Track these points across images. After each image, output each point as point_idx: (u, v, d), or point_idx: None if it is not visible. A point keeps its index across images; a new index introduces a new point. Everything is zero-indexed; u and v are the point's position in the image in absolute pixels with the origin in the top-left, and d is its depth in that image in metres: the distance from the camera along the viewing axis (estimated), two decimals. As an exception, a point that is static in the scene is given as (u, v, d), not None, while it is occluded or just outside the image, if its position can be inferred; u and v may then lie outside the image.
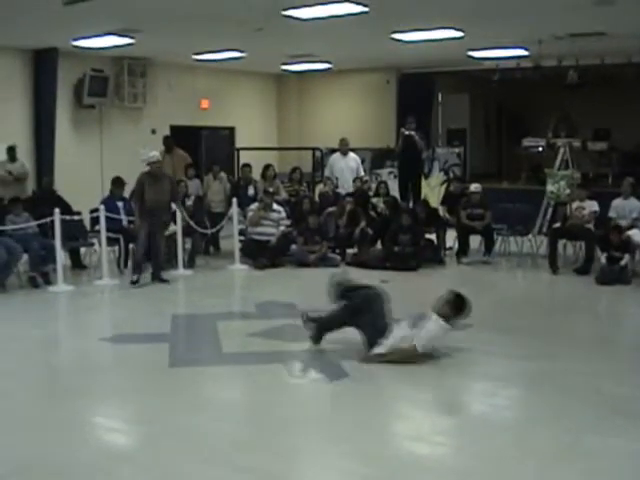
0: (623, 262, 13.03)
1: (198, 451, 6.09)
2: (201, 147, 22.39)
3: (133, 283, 12.92)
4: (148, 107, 20.35)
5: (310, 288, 12.81)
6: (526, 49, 18.05)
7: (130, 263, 13.82)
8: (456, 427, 6.93)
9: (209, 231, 15.31)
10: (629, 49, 17.39)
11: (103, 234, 13.20)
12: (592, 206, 14.46)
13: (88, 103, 18.87)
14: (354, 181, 17.20)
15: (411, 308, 11.01)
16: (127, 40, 15.98)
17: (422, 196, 17.94)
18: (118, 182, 14.82)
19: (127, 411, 7.26)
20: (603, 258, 13.30)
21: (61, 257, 12.96)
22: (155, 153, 13.40)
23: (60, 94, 18.25)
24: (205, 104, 22.39)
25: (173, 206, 13.63)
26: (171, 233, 13.95)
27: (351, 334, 9.13)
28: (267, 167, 16.92)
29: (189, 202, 15.53)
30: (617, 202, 14.41)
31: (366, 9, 13.09)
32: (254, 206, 15.25)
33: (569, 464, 5.91)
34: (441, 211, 15.95)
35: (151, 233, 13.04)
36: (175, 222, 14.08)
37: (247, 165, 17.24)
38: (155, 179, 13.05)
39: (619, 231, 13.30)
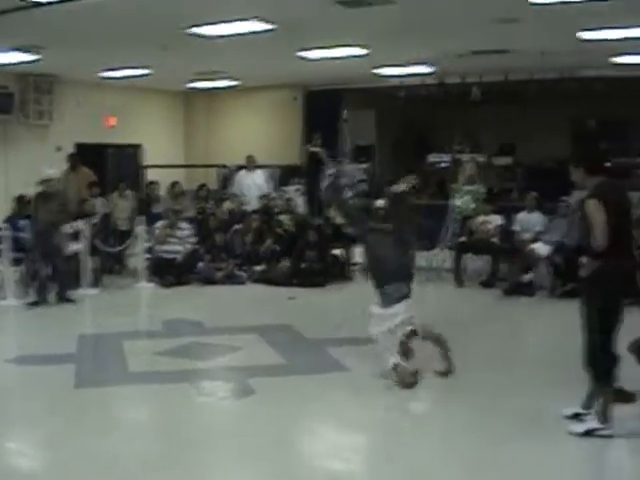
0: (527, 278, 13.21)
1: (108, 473, 6.01)
2: (107, 164, 22.13)
3: (30, 305, 12.68)
4: (54, 124, 20.03)
5: (217, 306, 12.79)
6: (431, 66, 18.24)
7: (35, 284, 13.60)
8: (366, 443, 6.96)
9: (115, 249, 15.14)
10: (531, 66, 17.66)
11: (7, 253, 12.97)
12: (496, 220, 14.70)
13: (-8, 120, 18.55)
14: (261, 198, 17.18)
15: (319, 323, 11.11)
16: (32, 56, 15.74)
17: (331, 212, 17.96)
18: (22, 200, 14.58)
19: (34, 434, 7.11)
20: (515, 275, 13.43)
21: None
22: (50, 171, 13.21)
23: (-37, 111, 17.91)
24: (112, 121, 22.12)
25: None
26: (73, 253, 13.73)
27: (257, 352, 9.14)
28: (174, 184, 16.83)
29: (94, 220, 15.34)
30: (521, 216, 14.67)
31: (272, 27, 13.10)
32: (160, 224, 15.14)
33: (480, 476, 5.97)
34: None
35: (47, 254, 12.84)
36: (78, 240, 13.88)
37: (153, 182, 17.12)
38: (47, 199, 12.89)
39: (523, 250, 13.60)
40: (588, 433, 6.71)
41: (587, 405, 6.97)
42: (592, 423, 6.76)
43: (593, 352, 6.75)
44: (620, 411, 6.86)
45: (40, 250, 12.82)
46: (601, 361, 6.71)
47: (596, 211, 6.56)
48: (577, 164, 6.99)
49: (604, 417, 6.73)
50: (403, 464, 6.25)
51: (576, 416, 6.93)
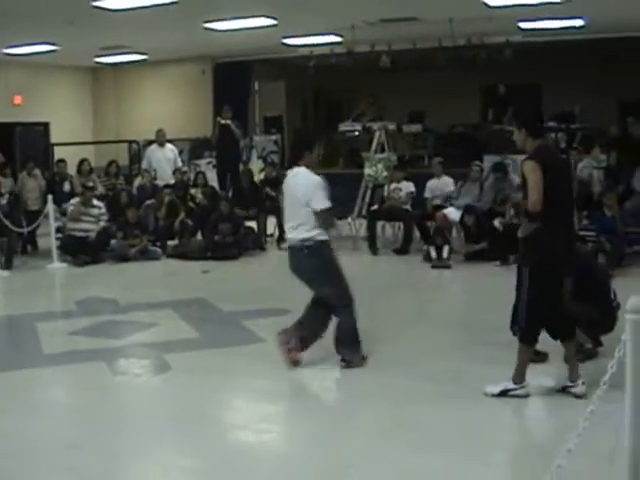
0: (445, 254, 13.29)
1: (27, 455, 5.92)
2: (15, 144, 21.78)
3: None
4: (-41, 104, 19.69)
5: (131, 282, 12.68)
6: (339, 35, 18.25)
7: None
8: (282, 413, 6.98)
9: (25, 230, 14.88)
10: (440, 33, 17.77)
11: None
12: (408, 187, 14.81)
13: None
14: (173, 172, 17.04)
15: (233, 296, 11.09)
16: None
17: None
18: None
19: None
20: (432, 251, 13.47)
21: None
22: None
23: None
24: (18, 100, 21.77)
25: None
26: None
27: (172, 328, 9.12)
28: (82, 162, 16.59)
29: (3, 201, 15.07)
30: (431, 183, 14.83)
31: None
32: (74, 201, 14.89)
33: (393, 439, 6.03)
34: (266, 192, 16.00)
35: None
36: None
37: (62, 160, 16.86)
38: None
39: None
40: (503, 393, 6.81)
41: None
42: (507, 383, 6.85)
43: (522, 312, 6.84)
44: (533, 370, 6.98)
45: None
46: (529, 322, 6.79)
47: (532, 172, 6.57)
48: (520, 126, 6.98)
49: (520, 377, 6.84)
50: (317, 433, 6.30)
51: (565, 389, 6.94)
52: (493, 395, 6.83)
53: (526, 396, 6.81)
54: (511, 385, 6.84)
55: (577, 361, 6.98)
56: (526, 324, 6.80)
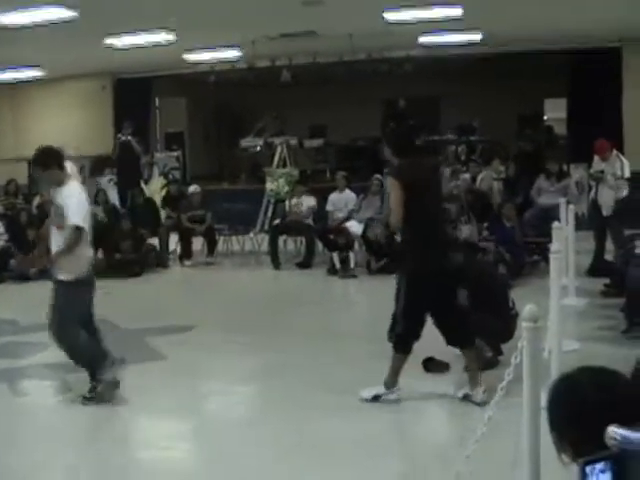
0: (352, 264, 13.38)
1: None
2: None
3: None
4: None
5: (32, 303, 12.43)
6: (240, 49, 18.24)
7: None
8: (187, 430, 6.98)
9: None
10: (340, 48, 17.88)
11: None
12: (310, 202, 14.89)
13: None
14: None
15: (135, 314, 11.00)
16: None
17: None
18: None
19: None
20: (335, 259, 13.55)
21: None
22: None
23: None
24: None
25: None
26: None
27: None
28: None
29: None
30: (333, 196, 14.90)
31: (75, 14, 12.83)
32: (-31, 223, 14.61)
33: (301, 453, 6.06)
34: (164, 213, 15.90)
35: None
36: None
37: (-43, 179, 16.57)
38: None
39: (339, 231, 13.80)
40: (375, 398, 7.01)
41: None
42: (379, 389, 7.04)
43: (399, 319, 7.02)
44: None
45: None
46: (404, 329, 6.98)
47: (392, 189, 6.91)
48: (387, 144, 7.23)
49: (391, 382, 7.03)
50: (220, 450, 6.30)
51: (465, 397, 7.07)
52: (367, 400, 7.03)
53: (397, 401, 7.00)
54: (382, 390, 7.03)
55: (477, 369, 7.10)
56: (402, 331, 6.98)
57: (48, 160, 7.40)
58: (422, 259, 6.87)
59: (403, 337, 7.00)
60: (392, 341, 7.14)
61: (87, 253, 7.62)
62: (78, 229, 7.23)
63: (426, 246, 6.90)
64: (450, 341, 7.24)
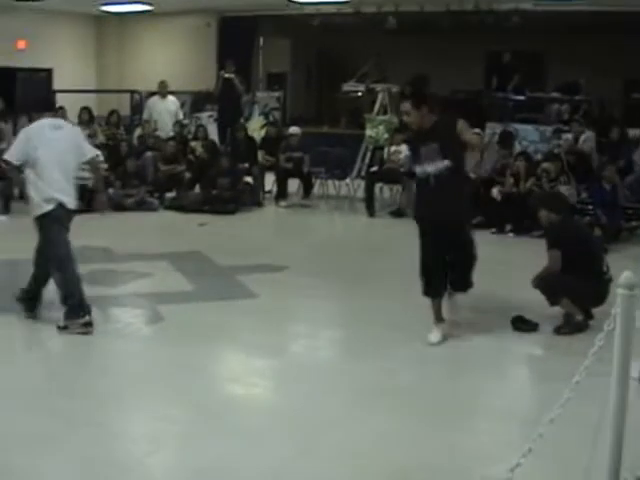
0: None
1: (13, 398, 5.99)
2: (17, 89, 21.65)
3: None
4: (-39, 46, 19.52)
5: (127, 232, 12.66)
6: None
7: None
8: (272, 368, 7.03)
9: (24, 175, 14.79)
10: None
11: None
12: (408, 150, 14.72)
13: None
14: (174, 125, 16.99)
15: (229, 251, 11.11)
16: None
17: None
18: None
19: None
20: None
21: None
22: None
23: None
24: (22, 44, 21.61)
25: None
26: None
27: (167, 279, 9.17)
28: (84, 110, 16.53)
29: (4, 146, 14.99)
30: (431, 147, 14.71)
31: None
32: (68, 150, 14.80)
33: (374, 400, 6.09)
34: (260, 155, 15.95)
35: None
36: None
37: (61, 108, 16.81)
38: None
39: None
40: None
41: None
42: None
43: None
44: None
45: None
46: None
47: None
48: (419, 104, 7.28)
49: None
50: (306, 388, 6.37)
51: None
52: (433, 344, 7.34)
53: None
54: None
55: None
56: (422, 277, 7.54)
57: None
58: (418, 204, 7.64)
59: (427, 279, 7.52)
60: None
61: (43, 190, 7.67)
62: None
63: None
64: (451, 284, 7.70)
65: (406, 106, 7.28)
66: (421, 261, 7.44)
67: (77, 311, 7.53)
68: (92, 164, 8.36)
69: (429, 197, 7.31)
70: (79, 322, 7.49)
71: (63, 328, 7.52)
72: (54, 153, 7.66)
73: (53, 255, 7.74)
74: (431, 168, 7.13)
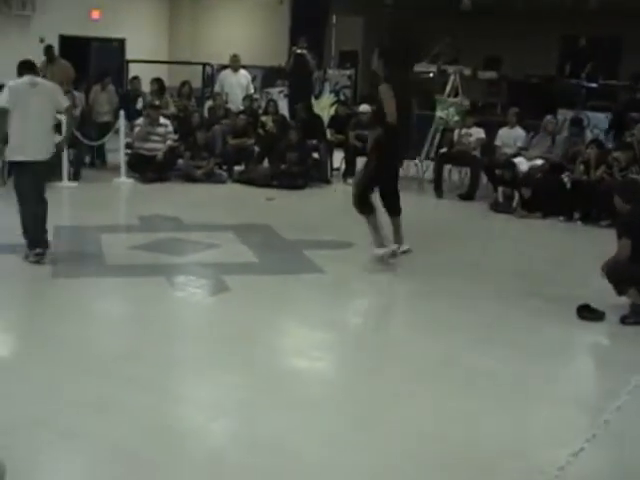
0: (515, 203, 13.18)
1: (78, 360, 6.10)
2: (91, 58, 21.89)
3: None
4: (37, 15, 19.73)
5: (195, 203, 12.76)
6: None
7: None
8: (336, 343, 7.06)
9: (95, 143, 14.99)
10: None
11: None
12: (478, 133, 14.66)
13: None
14: (244, 99, 17.04)
15: (296, 225, 11.15)
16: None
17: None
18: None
19: (9, 321, 7.19)
20: (500, 195, 13.47)
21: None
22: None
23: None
24: (96, 14, 21.84)
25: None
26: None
27: (234, 250, 9.25)
28: (155, 80, 16.64)
29: (77, 113, 15.17)
30: (503, 131, 14.62)
31: None
32: (140, 121, 14.95)
33: (439, 379, 6.13)
34: (329, 133, 15.95)
35: None
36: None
37: (136, 77, 16.96)
38: None
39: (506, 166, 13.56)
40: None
41: None
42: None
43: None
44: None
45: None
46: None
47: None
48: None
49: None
50: (369, 363, 6.42)
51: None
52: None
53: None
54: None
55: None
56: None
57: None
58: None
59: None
60: None
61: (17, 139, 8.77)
62: None
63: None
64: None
65: None
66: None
67: (31, 244, 8.76)
68: (67, 112, 9.52)
69: None
70: (33, 252, 8.70)
71: (24, 257, 8.74)
72: (32, 106, 8.77)
73: (16, 193, 8.89)
74: None
